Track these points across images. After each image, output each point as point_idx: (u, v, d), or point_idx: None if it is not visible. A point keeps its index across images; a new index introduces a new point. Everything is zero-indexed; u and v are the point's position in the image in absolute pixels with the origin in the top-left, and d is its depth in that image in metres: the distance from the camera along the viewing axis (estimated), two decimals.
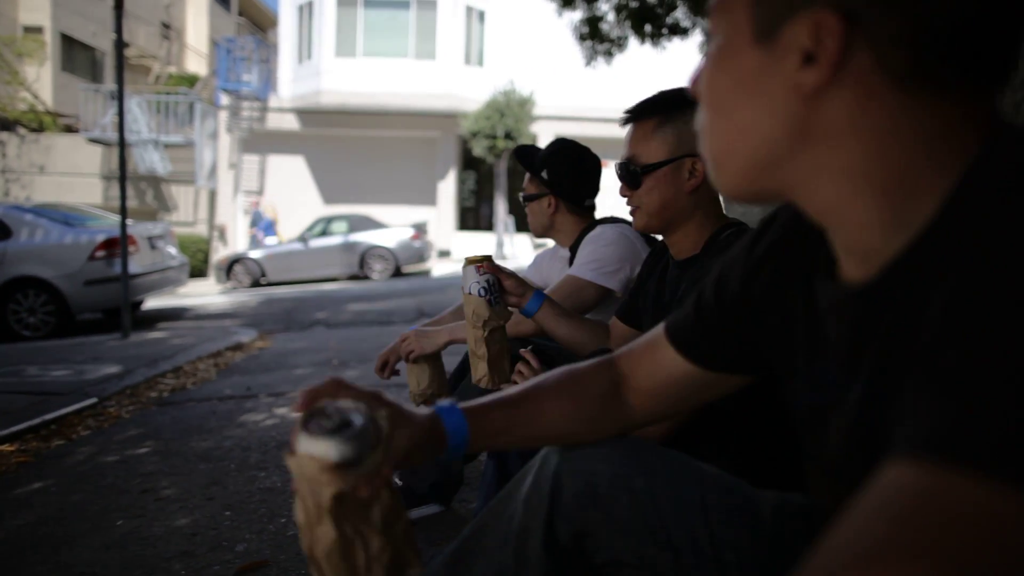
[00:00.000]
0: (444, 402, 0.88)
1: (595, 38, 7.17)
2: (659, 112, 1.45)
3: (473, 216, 19.60)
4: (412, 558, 0.71)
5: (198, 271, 15.14)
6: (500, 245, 16.66)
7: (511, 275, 1.67)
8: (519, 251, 16.94)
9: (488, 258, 1.66)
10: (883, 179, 0.57)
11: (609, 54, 7.33)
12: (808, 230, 0.72)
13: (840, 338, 0.65)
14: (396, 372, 2.21)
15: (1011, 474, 0.37)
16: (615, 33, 7.13)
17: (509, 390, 0.94)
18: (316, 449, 0.63)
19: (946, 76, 0.56)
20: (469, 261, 1.66)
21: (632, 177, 1.46)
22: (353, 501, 0.65)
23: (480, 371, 1.65)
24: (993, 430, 0.39)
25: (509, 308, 1.68)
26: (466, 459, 2.24)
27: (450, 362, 2.23)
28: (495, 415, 0.90)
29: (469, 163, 18.68)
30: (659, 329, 0.95)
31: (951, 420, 0.41)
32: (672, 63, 15.23)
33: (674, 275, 1.51)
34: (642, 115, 1.47)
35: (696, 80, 0.64)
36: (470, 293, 1.63)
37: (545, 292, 2.07)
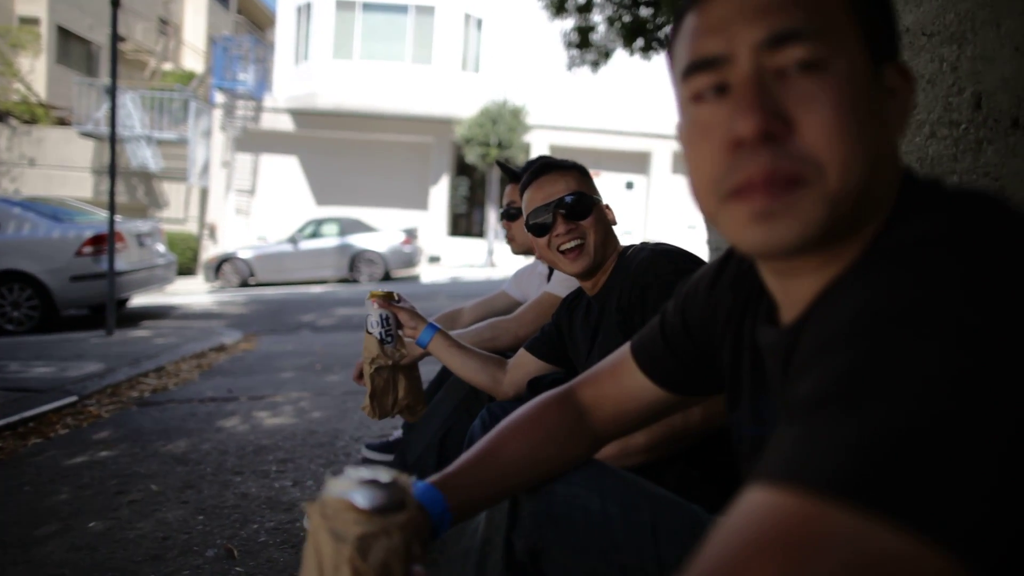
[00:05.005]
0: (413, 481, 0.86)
1: (584, 47, 7.28)
2: (578, 168, 1.63)
3: (465, 222, 19.65)
4: None
5: (187, 269, 15.09)
6: (491, 252, 16.70)
7: (406, 309, 1.82)
8: (508, 259, 16.98)
9: (389, 294, 1.81)
10: (878, 226, 0.60)
11: (595, 64, 7.44)
12: (756, 273, 0.75)
13: (774, 376, 0.68)
14: None
15: (865, 498, 0.38)
16: (604, 44, 7.24)
17: (472, 447, 0.94)
18: (344, 493, 0.65)
19: None
20: (372, 295, 1.81)
21: (585, 206, 1.56)
22: (375, 558, 0.63)
23: (364, 402, 1.82)
24: (822, 455, 0.41)
25: (407, 339, 1.84)
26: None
27: (428, 371, 2.25)
28: (463, 474, 0.89)
29: (463, 169, 18.73)
30: (623, 355, 0.98)
31: (790, 447, 0.43)
32: (661, 75, 15.40)
33: (596, 307, 1.62)
34: (572, 167, 1.63)
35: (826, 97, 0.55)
36: (368, 331, 1.79)
37: (522, 305, 2.12)
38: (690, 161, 0.62)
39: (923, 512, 0.37)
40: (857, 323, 0.47)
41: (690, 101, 0.62)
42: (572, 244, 1.56)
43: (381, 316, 1.80)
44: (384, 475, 0.70)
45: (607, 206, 1.64)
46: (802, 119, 0.55)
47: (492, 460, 0.93)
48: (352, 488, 0.65)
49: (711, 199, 0.60)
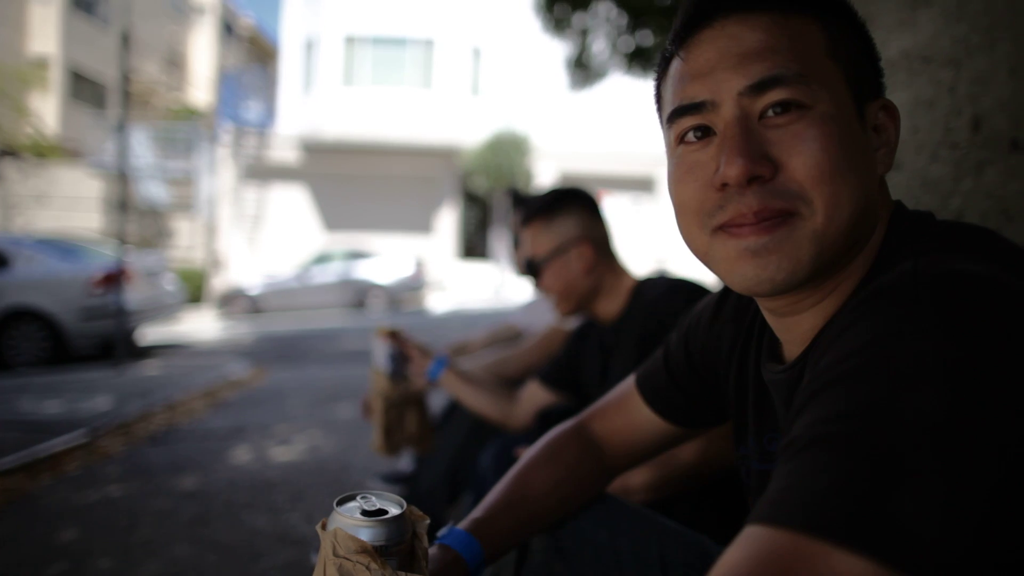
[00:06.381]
0: (445, 530, 0.85)
1: (582, 67, 7.48)
2: (542, 212, 1.61)
3: (473, 248, 19.75)
4: None
5: (196, 300, 15.18)
6: (497, 276, 16.74)
7: (415, 345, 1.82)
8: (514, 283, 16.99)
9: (395, 330, 1.82)
10: (870, 262, 0.61)
11: (590, 82, 7.62)
12: (757, 309, 0.76)
13: (780, 412, 0.69)
14: None
15: (857, 543, 0.39)
16: (602, 66, 7.42)
17: (497, 486, 0.93)
18: (355, 529, 0.64)
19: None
20: (379, 332, 1.81)
21: (533, 271, 1.62)
22: None
23: (377, 439, 1.81)
24: (811, 496, 0.42)
25: (416, 374, 1.82)
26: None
27: (436, 403, 2.25)
28: (495, 519, 0.88)
29: (470, 195, 18.86)
30: (628, 389, 0.98)
31: (783, 487, 0.44)
32: None
33: (610, 338, 1.62)
34: (530, 218, 1.63)
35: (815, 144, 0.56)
36: (375, 367, 1.79)
37: (529, 337, 2.13)
38: (677, 198, 0.63)
39: (905, 552, 0.38)
40: (840, 369, 0.47)
41: (676, 143, 0.63)
42: (549, 296, 1.64)
43: (390, 352, 1.79)
44: (394, 505, 0.69)
45: (582, 246, 1.58)
46: (788, 160, 0.56)
47: (520, 502, 0.92)
48: (362, 523, 0.65)
49: (701, 234, 0.61)
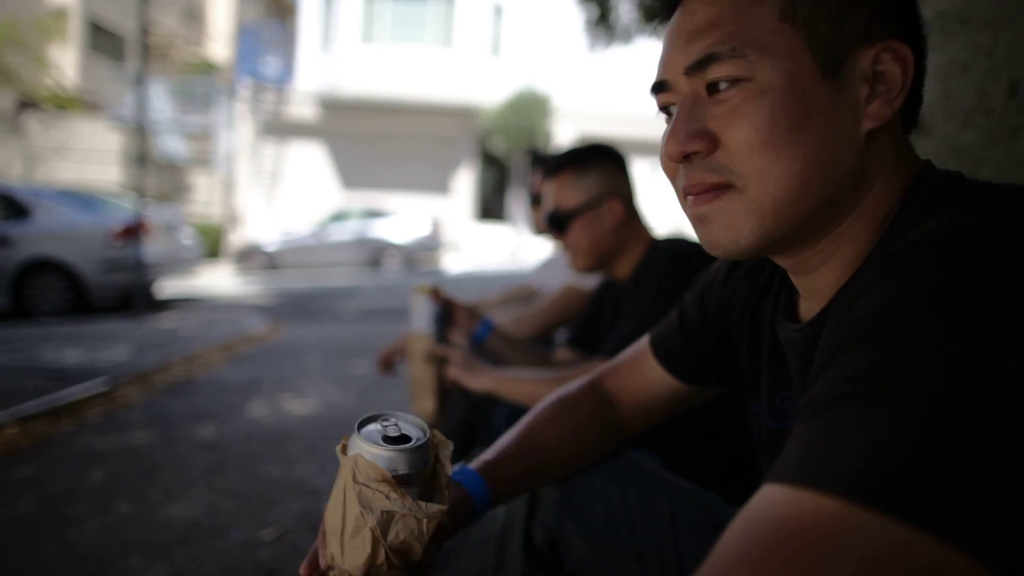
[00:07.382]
0: (457, 467, 0.85)
1: (602, 23, 7.32)
2: (573, 164, 1.56)
3: (490, 209, 19.68)
4: None
5: (214, 255, 15.31)
6: (514, 237, 16.71)
7: (461, 304, 1.77)
8: (532, 248, 16.95)
9: (435, 289, 1.71)
10: (879, 220, 0.60)
11: (612, 41, 7.45)
12: (773, 267, 0.75)
13: (795, 371, 0.68)
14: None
15: (887, 504, 0.38)
16: (627, 28, 7.26)
17: (509, 432, 0.93)
18: (377, 457, 0.62)
19: (911, 111, 0.62)
20: (420, 290, 1.69)
21: (559, 224, 1.56)
22: (396, 537, 0.62)
23: (428, 406, 1.68)
24: (836, 456, 0.41)
25: (461, 335, 1.74)
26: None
27: None
28: (504, 464, 0.88)
29: (488, 156, 18.73)
30: (642, 348, 0.97)
31: (805, 446, 0.43)
32: None
33: (620, 296, 1.61)
34: (560, 169, 1.58)
35: (726, 126, 0.58)
36: (421, 329, 1.66)
37: (544, 296, 2.12)
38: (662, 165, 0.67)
39: (940, 514, 0.37)
40: (870, 324, 0.46)
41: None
42: (568, 250, 1.60)
43: (437, 312, 1.67)
44: (417, 430, 0.67)
45: (613, 201, 1.55)
46: (724, 135, 0.58)
47: (530, 451, 0.92)
48: (384, 451, 0.63)
49: (679, 197, 0.66)
